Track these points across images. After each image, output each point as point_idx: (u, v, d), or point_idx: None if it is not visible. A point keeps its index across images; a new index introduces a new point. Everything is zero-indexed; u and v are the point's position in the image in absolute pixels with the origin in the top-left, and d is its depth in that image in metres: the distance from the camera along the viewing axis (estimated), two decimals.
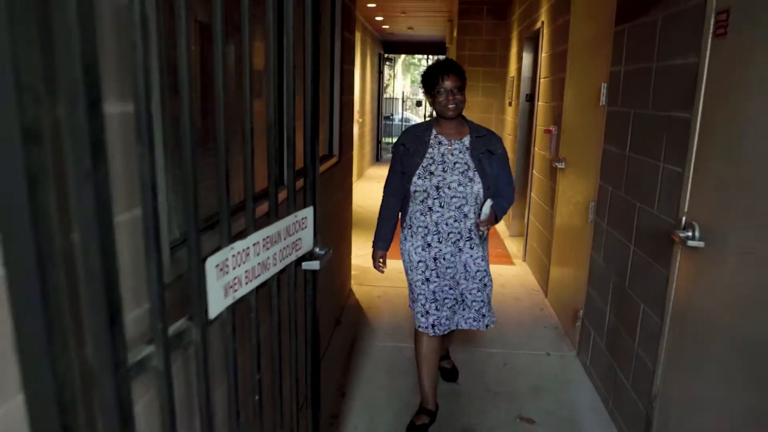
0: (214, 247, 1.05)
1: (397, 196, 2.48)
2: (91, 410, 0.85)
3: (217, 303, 1.06)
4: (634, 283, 2.39)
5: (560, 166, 3.75)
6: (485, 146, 2.39)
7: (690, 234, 1.85)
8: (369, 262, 2.65)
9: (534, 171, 4.82)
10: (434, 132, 2.41)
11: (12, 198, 0.68)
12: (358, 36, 7.90)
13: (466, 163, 2.36)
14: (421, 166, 2.36)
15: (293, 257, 1.41)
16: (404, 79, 33.88)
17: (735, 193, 1.66)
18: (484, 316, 2.50)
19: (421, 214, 2.40)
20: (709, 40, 1.81)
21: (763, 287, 1.50)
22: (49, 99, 0.70)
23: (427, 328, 2.42)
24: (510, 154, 3.98)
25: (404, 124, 17.88)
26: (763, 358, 1.49)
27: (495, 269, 3.23)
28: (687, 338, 1.92)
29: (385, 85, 15.06)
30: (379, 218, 2.55)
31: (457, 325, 2.49)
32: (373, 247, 2.57)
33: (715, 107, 1.78)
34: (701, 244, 1.80)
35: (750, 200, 1.58)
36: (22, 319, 0.73)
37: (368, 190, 8.28)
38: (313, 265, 1.51)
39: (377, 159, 13.12)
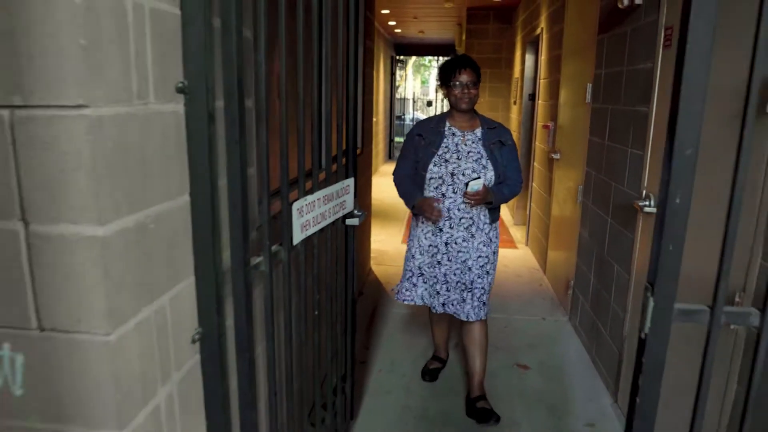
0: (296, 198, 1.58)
1: (410, 178, 2.57)
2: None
3: (297, 236, 1.58)
4: (611, 250, 2.88)
5: (556, 156, 4.23)
6: (496, 137, 2.52)
7: (647, 203, 2.34)
8: (386, 245, 3.15)
9: (535, 163, 5.30)
10: (448, 124, 2.54)
11: (200, 153, 1.20)
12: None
13: (479, 152, 2.48)
14: (436, 155, 2.48)
15: (340, 214, 1.93)
16: (414, 80, 34.22)
17: None
18: (484, 304, 2.57)
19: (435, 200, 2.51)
20: (660, 50, 2.30)
21: (694, 239, 1.99)
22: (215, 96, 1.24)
23: (436, 308, 2.58)
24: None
25: (415, 123, 18.35)
26: (692, 294, 1.97)
27: (499, 252, 3.72)
28: None
29: (396, 85, 15.54)
30: (401, 189, 2.59)
31: (467, 317, 2.53)
32: (413, 206, 2.54)
33: (665, 102, 2.27)
34: (654, 209, 2.29)
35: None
36: (198, 230, 1.24)
37: (382, 185, 8.75)
38: (354, 221, 2.03)
39: (389, 157, 13.63)
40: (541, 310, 3.87)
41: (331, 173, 1.80)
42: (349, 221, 2.00)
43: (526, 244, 5.59)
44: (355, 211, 2.03)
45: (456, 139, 2.51)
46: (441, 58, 14.45)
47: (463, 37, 8.23)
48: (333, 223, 1.87)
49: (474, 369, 2.64)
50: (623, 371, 2.62)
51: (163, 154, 1.10)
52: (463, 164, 2.47)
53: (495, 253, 2.61)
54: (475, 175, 2.43)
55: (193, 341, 1.27)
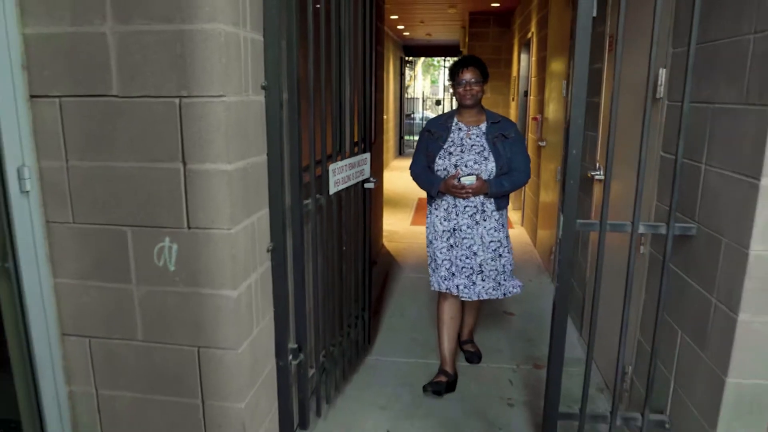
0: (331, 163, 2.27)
1: (424, 170, 2.75)
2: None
3: (332, 189, 2.27)
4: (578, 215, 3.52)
5: (543, 144, 4.88)
6: (499, 131, 2.67)
7: (598, 172, 2.99)
8: (396, 227, 3.81)
9: (528, 152, 5.94)
10: (455, 120, 2.72)
11: (273, 128, 1.88)
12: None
13: (482, 145, 2.63)
14: (442, 149, 2.66)
15: (360, 179, 2.61)
16: (424, 80, 34.73)
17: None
18: (500, 284, 2.73)
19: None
20: (606, 53, 2.95)
21: (622, 189, 2.64)
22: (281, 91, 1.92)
23: (451, 289, 2.71)
24: None
25: (424, 122, 19.01)
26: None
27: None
28: None
29: (405, 85, 16.20)
30: (420, 182, 2.76)
31: (478, 296, 2.68)
32: (436, 192, 2.67)
33: (608, 94, 2.92)
34: (602, 176, 2.93)
35: (619, 148, 2.71)
36: (271, 178, 1.93)
37: (393, 178, 9.46)
38: (370, 185, 2.71)
39: (400, 153, 14.31)
40: (529, 275, 4.52)
41: (353, 149, 2.48)
42: (366, 185, 2.69)
43: (521, 225, 6.23)
44: (371, 178, 2.72)
45: (461, 134, 2.68)
46: (448, 58, 15.08)
47: (467, 40, 8.89)
48: (355, 185, 2.55)
49: (466, 321, 3.11)
50: (585, 309, 3.27)
51: (255, 127, 1.79)
52: (466, 156, 2.63)
53: (507, 237, 2.76)
54: (475, 167, 2.59)
55: (268, 251, 1.96)
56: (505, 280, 2.75)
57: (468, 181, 2.57)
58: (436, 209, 2.74)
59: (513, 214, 6.81)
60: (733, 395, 1.63)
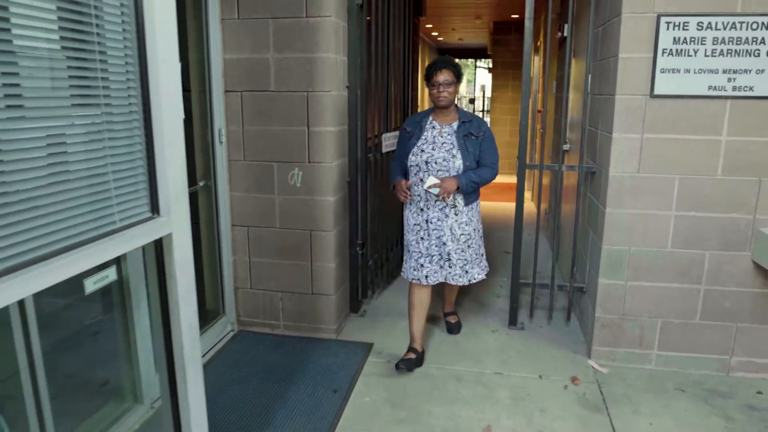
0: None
1: (400, 165, 2.98)
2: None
3: (383, 150, 3.67)
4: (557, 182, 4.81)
5: (543, 132, 6.16)
6: (469, 130, 2.81)
7: (566, 145, 4.28)
8: None
9: (536, 139, 7.22)
10: (430, 119, 2.88)
11: (352, 111, 3.30)
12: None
13: (451, 143, 2.79)
14: (416, 146, 2.83)
15: None
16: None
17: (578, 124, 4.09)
18: (467, 272, 2.93)
19: (415, 184, 2.85)
20: (571, 61, 4.24)
21: (573, 154, 3.94)
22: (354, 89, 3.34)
23: (420, 279, 2.91)
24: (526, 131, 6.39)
25: None
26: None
27: (509, 205, 5.69)
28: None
29: None
30: (392, 172, 3.06)
31: (445, 279, 2.91)
32: (393, 185, 2.93)
33: (572, 91, 4.21)
34: (569, 148, 4.23)
35: (571, 125, 4.01)
36: (350, 140, 3.38)
37: None
38: None
39: None
40: (529, 231, 5.81)
41: (396, 127, 3.87)
42: None
43: (531, 200, 7.51)
44: None
45: (434, 132, 2.84)
46: (480, 60, 16.30)
47: (491, 45, 10.17)
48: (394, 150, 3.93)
49: (446, 297, 3.42)
50: (559, 248, 4.55)
51: (343, 109, 3.19)
52: (436, 153, 2.79)
53: (476, 230, 2.96)
54: (443, 163, 2.77)
55: (347, 182, 3.35)
56: (471, 267, 2.94)
57: (434, 190, 2.70)
58: (410, 204, 2.92)
59: (525, 192, 8.09)
60: (606, 255, 2.94)
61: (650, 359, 3.01)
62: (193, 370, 1.69)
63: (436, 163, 2.78)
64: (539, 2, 3.55)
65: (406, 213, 2.95)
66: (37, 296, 1.97)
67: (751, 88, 2.62)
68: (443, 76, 2.77)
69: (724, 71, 2.63)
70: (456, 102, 2.93)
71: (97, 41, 1.29)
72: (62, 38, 1.22)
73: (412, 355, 2.93)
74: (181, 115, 1.55)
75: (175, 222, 1.56)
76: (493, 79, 10.30)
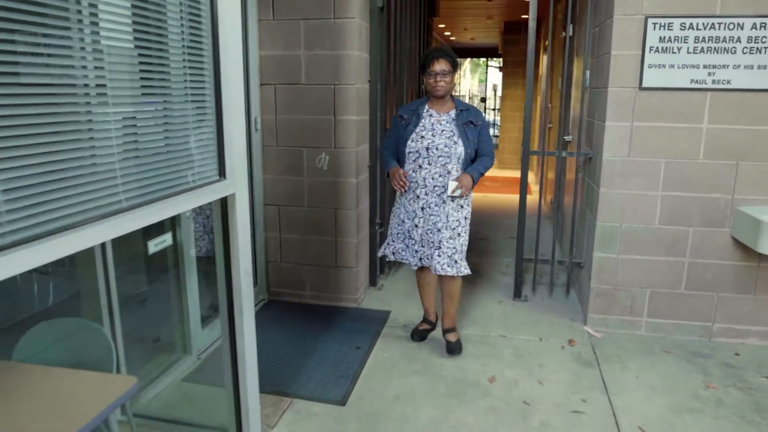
0: None
1: (392, 152, 2.98)
2: None
3: None
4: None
5: (549, 125, 6.50)
6: (468, 118, 2.84)
7: (568, 136, 4.62)
8: None
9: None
10: (426, 107, 2.88)
11: (372, 103, 3.68)
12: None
13: (451, 131, 2.81)
14: (414, 132, 2.83)
15: None
16: (472, 79, 35.98)
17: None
18: (456, 262, 2.86)
19: (413, 171, 2.84)
20: (572, 58, 4.58)
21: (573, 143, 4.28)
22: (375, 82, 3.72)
23: (416, 265, 2.97)
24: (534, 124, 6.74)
25: None
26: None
27: (516, 197, 6.02)
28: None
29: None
30: (384, 157, 3.04)
31: (434, 270, 2.87)
32: (388, 172, 2.94)
33: (571, 84, 4.56)
34: (571, 139, 4.57)
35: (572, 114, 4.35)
36: (371, 128, 3.72)
37: None
38: None
39: None
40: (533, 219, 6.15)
41: None
42: None
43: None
44: None
45: (432, 120, 2.85)
46: (491, 59, 16.60)
47: (503, 44, 10.49)
48: None
49: (445, 312, 3.11)
50: (560, 229, 4.89)
51: (365, 100, 3.57)
52: (436, 140, 2.80)
53: (466, 218, 2.92)
54: (445, 150, 2.78)
55: (368, 166, 3.73)
56: (461, 259, 2.89)
57: (451, 186, 2.76)
58: (406, 191, 2.90)
59: (533, 183, 8.41)
60: (600, 231, 3.28)
61: (640, 326, 3.35)
62: (247, 308, 2.07)
63: (437, 149, 2.80)
64: (546, 4, 3.88)
65: (401, 200, 2.96)
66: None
67: (728, 82, 2.96)
68: (440, 66, 2.77)
69: (705, 66, 2.96)
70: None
71: (182, 38, 1.67)
72: (159, 35, 1.60)
73: (427, 326, 3.26)
74: (242, 98, 1.93)
75: (238, 185, 1.94)
76: (504, 77, 10.63)
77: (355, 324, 3.42)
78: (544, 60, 8.28)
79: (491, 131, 18.83)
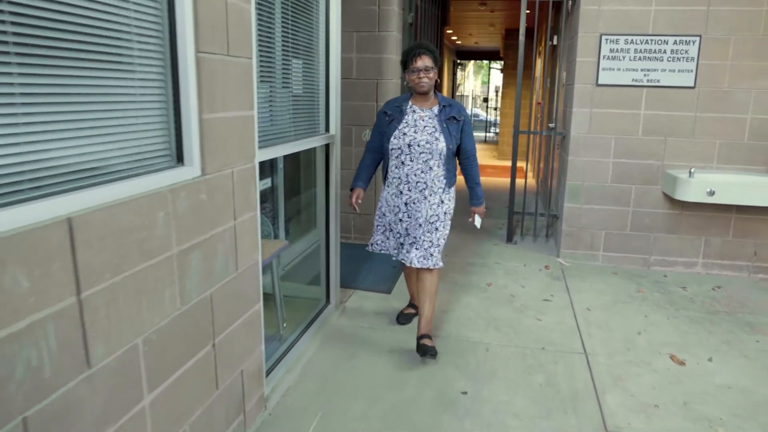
0: None
1: (374, 153, 3.01)
2: None
3: None
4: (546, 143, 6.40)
5: (539, 117, 7.75)
6: (451, 114, 2.83)
7: (552, 123, 5.87)
8: None
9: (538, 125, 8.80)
10: (410, 103, 2.87)
11: (404, 90, 4.96)
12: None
13: (434, 127, 2.79)
14: (397, 129, 2.81)
15: None
16: (476, 80, 37.15)
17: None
18: (431, 255, 2.88)
19: (396, 167, 2.86)
20: (561, 62, 5.82)
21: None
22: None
23: (396, 256, 3.03)
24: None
25: (473, 119, 21.71)
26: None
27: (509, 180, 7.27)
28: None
29: (457, 84, 19.06)
30: (358, 167, 3.05)
31: (410, 263, 2.87)
32: (351, 188, 2.99)
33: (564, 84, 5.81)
34: (554, 126, 5.83)
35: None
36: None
37: None
38: None
39: None
40: (529, 196, 7.41)
41: None
42: None
43: (533, 177, 9.09)
44: None
45: (415, 116, 2.83)
46: (494, 61, 17.85)
47: (504, 48, 11.75)
48: None
49: (422, 312, 2.94)
50: (544, 191, 6.13)
51: (397, 92, 4.83)
52: (418, 137, 2.79)
53: (447, 213, 2.91)
54: (426, 146, 2.79)
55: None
56: (437, 252, 2.89)
57: (477, 221, 3.12)
58: (388, 186, 2.95)
59: (521, 163, 9.67)
60: (569, 188, 4.53)
61: (597, 258, 4.60)
62: (334, 225, 3.32)
63: (418, 145, 2.80)
64: (544, 15, 5.11)
65: (384, 194, 2.98)
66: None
67: (658, 81, 4.21)
68: (423, 62, 2.77)
69: (641, 70, 4.21)
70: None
71: (316, 43, 2.93)
72: (307, 43, 2.86)
73: (412, 310, 3.41)
74: (337, 82, 3.18)
75: (335, 138, 3.20)
76: (504, 78, 11.89)
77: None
78: (538, 63, 9.55)
79: (492, 129, 20.12)
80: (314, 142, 2.95)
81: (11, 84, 1.15)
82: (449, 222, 2.95)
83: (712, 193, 3.98)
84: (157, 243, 1.53)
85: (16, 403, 1.12)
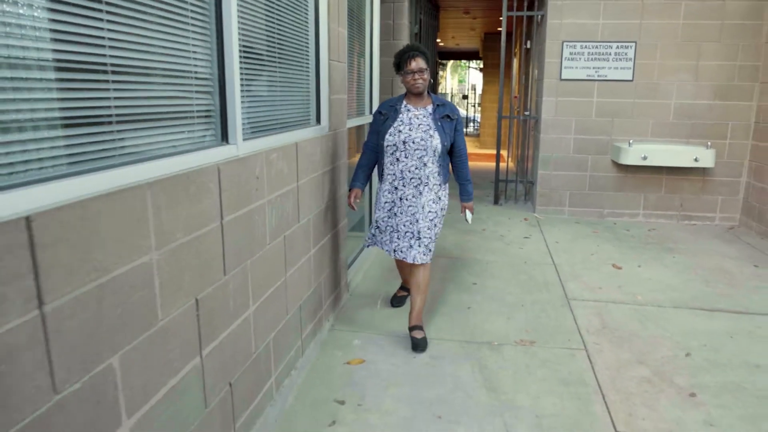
0: None
1: (371, 152, 3.09)
2: None
3: None
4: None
5: (517, 109, 9.16)
6: (444, 112, 2.93)
7: (527, 112, 7.26)
8: None
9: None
10: (404, 103, 2.96)
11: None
12: None
13: (428, 125, 2.89)
14: (392, 127, 2.91)
15: None
16: (452, 79, 38.67)
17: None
18: (430, 251, 2.97)
19: (391, 164, 2.95)
20: (535, 64, 7.22)
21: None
22: None
23: (390, 252, 3.03)
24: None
25: None
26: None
27: (491, 164, 8.69)
28: None
29: (438, 82, 20.41)
30: (357, 166, 3.12)
31: (413, 260, 2.92)
32: (349, 188, 3.09)
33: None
34: (529, 114, 7.22)
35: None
36: None
37: None
38: None
39: None
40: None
41: None
42: None
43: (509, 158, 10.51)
44: None
45: (410, 115, 2.91)
46: (473, 61, 19.29)
47: (482, 50, 13.17)
48: None
49: (414, 305, 3.04)
50: (523, 163, 7.51)
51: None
52: (413, 134, 2.86)
53: (443, 209, 3.01)
54: (421, 143, 2.86)
55: None
56: (432, 247, 2.98)
57: (469, 217, 3.21)
58: (383, 182, 3.01)
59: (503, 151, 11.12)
60: (541, 159, 5.91)
61: (564, 212, 6.00)
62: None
63: (413, 142, 2.85)
64: (520, 21, 6.46)
65: (379, 190, 3.04)
66: None
67: (606, 76, 5.61)
68: (416, 63, 2.83)
69: (593, 68, 5.61)
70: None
71: (360, 47, 4.25)
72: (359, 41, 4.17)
73: (404, 293, 3.55)
74: (376, 80, 4.49)
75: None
76: (484, 76, 13.31)
77: None
78: (514, 63, 10.97)
79: (472, 124, 21.58)
80: (365, 119, 4.26)
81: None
82: (443, 217, 3.04)
83: (645, 158, 5.40)
84: (320, 162, 2.83)
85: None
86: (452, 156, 3.05)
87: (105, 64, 1.31)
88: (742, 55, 5.41)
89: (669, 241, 5.14)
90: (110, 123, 1.36)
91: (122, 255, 1.28)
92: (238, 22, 1.95)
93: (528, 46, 7.22)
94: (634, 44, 5.52)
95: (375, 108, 4.47)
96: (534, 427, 2.34)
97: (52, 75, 1.17)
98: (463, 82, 37.43)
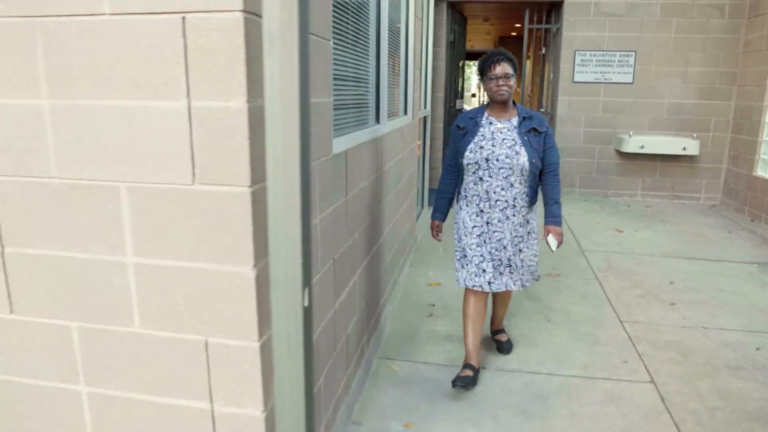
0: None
1: (453, 172, 2.78)
2: None
3: (458, 105, 7.87)
4: None
5: (531, 105, 10.33)
6: (531, 125, 2.61)
7: (542, 109, 8.43)
8: None
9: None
10: (486, 114, 2.67)
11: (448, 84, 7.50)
12: None
13: (513, 140, 2.58)
14: (472, 142, 2.62)
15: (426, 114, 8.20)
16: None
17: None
18: (522, 276, 2.75)
19: (474, 183, 2.66)
20: (549, 67, 8.39)
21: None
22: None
23: (482, 286, 2.68)
24: None
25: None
26: None
27: None
28: None
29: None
30: (438, 192, 2.86)
31: (505, 287, 2.71)
32: (432, 218, 2.88)
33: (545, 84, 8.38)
34: (544, 110, 8.39)
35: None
36: (446, 96, 7.55)
37: None
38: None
39: None
40: None
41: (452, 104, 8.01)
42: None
43: None
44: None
45: (492, 128, 2.63)
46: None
47: None
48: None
49: (495, 315, 3.14)
50: None
51: (443, 86, 7.35)
52: (497, 150, 2.59)
53: (530, 233, 2.75)
54: (506, 161, 2.56)
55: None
56: (529, 273, 2.80)
57: (552, 244, 2.67)
58: (467, 205, 2.73)
59: None
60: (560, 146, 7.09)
61: (575, 193, 7.17)
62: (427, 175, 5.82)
63: (497, 160, 2.59)
64: (530, 30, 7.62)
65: (462, 215, 2.74)
66: None
67: (611, 79, 6.78)
68: (501, 68, 2.57)
69: (601, 72, 6.78)
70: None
71: (422, 52, 5.43)
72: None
73: (469, 372, 2.70)
74: (431, 77, 5.66)
75: (428, 111, 5.69)
76: None
77: None
78: (527, 65, 12.14)
79: None
80: (424, 112, 5.43)
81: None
82: (535, 241, 2.79)
83: (642, 147, 6.57)
84: (408, 141, 4.01)
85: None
86: (542, 172, 2.71)
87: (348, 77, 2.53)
88: (722, 62, 6.59)
89: (661, 215, 6.32)
90: (360, 108, 2.64)
91: (377, 167, 2.60)
92: (386, 51, 3.14)
93: (543, 51, 8.36)
94: (634, 53, 6.69)
95: (428, 103, 5.64)
96: (566, 319, 3.52)
97: (350, 83, 2.36)
98: (469, 80, 38.44)
